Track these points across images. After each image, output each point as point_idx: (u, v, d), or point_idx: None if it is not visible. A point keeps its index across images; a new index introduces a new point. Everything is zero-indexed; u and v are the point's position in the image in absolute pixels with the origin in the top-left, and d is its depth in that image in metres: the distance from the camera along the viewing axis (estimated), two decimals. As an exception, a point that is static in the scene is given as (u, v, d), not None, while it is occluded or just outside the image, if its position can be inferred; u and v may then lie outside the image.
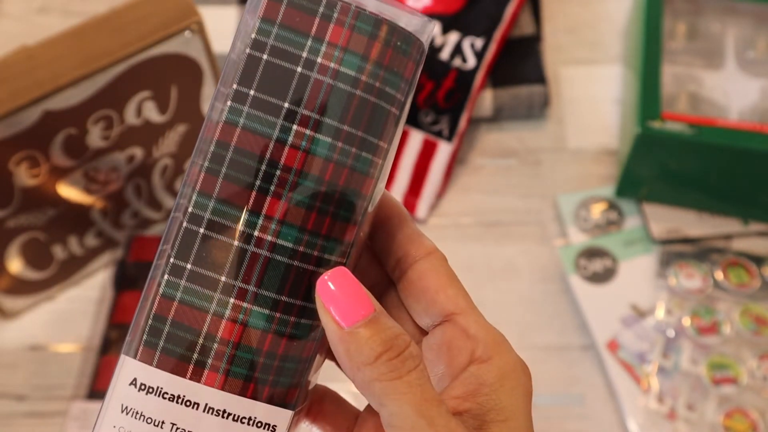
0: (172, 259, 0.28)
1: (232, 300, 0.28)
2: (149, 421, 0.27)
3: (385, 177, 0.30)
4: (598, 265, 0.67)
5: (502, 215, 0.72)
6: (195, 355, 0.28)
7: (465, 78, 0.72)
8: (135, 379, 0.28)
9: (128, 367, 0.28)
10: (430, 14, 0.76)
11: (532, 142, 0.76)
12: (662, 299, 0.65)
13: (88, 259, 0.67)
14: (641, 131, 0.63)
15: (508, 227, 0.71)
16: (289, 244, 0.28)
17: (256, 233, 0.27)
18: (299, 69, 0.27)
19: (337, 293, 0.27)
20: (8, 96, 0.53)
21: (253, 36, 0.28)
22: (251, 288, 0.28)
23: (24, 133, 0.55)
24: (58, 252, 0.65)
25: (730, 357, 0.62)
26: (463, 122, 0.71)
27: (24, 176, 0.57)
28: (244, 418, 0.28)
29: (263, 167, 0.27)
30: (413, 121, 0.71)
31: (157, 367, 0.28)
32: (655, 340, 0.63)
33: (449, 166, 0.71)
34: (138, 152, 0.62)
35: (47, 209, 0.61)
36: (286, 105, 0.27)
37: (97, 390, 0.60)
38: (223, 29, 0.81)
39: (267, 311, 0.28)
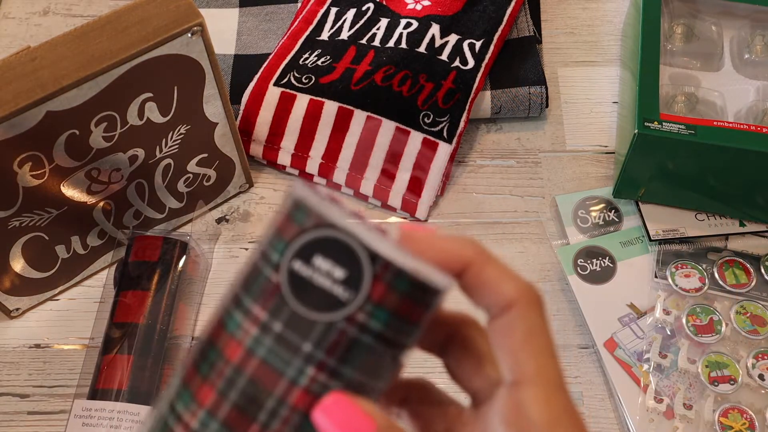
0: None
1: None
2: None
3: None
4: (596, 265, 0.68)
5: (501, 215, 0.72)
6: None
7: (464, 79, 0.73)
8: None
9: None
10: (430, 15, 0.77)
11: (530, 143, 0.76)
12: (660, 298, 0.65)
13: (90, 259, 0.68)
14: (639, 132, 0.64)
15: (507, 227, 0.72)
16: None
17: None
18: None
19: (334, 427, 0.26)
20: (11, 97, 0.53)
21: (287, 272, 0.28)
22: None
23: (27, 133, 0.55)
24: (61, 252, 0.65)
25: (727, 356, 0.62)
26: (462, 123, 0.72)
27: (27, 177, 0.58)
28: None
29: (270, 403, 0.28)
30: (413, 121, 0.71)
31: None
32: (652, 339, 0.64)
33: (448, 167, 0.72)
34: (140, 153, 0.63)
35: (50, 209, 0.61)
36: (307, 348, 0.27)
37: (99, 389, 0.60)
38: (225, 31, 0.82)
39: None
